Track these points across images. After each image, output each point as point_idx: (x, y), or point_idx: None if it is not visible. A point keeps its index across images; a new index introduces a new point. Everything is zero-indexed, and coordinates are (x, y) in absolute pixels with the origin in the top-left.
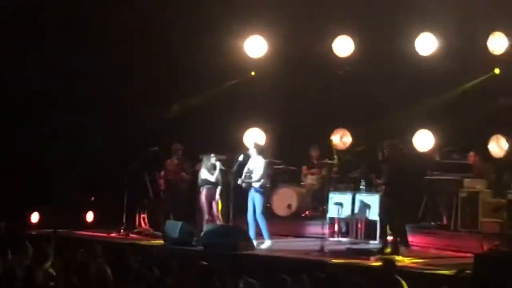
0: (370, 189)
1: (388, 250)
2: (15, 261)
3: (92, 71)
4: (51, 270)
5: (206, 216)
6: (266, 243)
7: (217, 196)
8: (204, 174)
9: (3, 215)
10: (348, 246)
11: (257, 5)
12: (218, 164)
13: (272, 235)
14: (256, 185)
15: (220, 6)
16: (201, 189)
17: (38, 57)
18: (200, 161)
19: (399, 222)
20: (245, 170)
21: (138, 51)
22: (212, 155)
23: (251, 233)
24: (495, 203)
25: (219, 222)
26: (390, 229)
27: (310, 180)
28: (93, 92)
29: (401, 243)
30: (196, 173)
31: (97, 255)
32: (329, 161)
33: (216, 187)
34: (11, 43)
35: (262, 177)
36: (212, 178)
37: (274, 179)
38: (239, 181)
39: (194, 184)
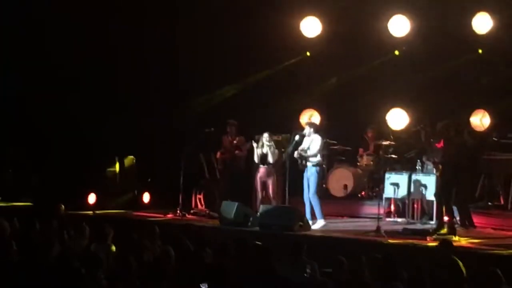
0: (425, 169)
1: (445, 230)
2: (72, 242)
3: (145, 51)
4: (112, 247)
5: (259, 196)
6: (319, 223)
7: (274, 176)
8: (258, 153)
9: (61, 197)
10: (405, 226)
11: None
12: (272, 144)
13: (328, 215)
14: (312, 161)
15: None
16: (257, 169)
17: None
18: (254, 140)
19: (461, 202)
20: (300, 148)
21: (191, 32)
22: (266, 134)
23: (307, 213)
24: None
25: (274, 202)
26: (447, 210)
27: (366, 160)
28: (150, 74)
29: (465, 223)
30: (251, 151)
31: (156, 237)
32: (385, 142)
33: (271, 167)
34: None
35: (318, 153)
36: (269, 158)
37: (330, 159)
38: (295, 154)
39: (249, 162)
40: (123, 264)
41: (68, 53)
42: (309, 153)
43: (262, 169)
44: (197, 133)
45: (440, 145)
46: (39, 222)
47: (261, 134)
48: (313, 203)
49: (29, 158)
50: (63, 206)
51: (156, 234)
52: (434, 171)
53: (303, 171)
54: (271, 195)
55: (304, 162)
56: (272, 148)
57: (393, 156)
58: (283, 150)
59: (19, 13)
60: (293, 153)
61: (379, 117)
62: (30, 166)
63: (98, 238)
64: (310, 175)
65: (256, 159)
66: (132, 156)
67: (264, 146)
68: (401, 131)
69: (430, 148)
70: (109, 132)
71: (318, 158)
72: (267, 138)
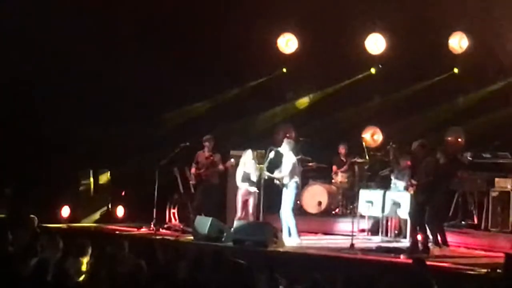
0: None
1: (418, 248)
2: (46, 255)
3: (121, 63)
4: (83, 263)
5: (238, 214)
6: (294, 240)
7: (255, 194)
8: (241, 172)
9: (35, 209)
10: (379, 244)
11: (289, 3)
12: (255, 161)
13: (302, 232)
14: (286, 181)
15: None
16: (240, 186)
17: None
18: (233, 157)
19: (435, 221)
20: (273, 167)
21: (168, 45)
22: (249, 151)
23: (284, 229)
24: None
25: (252, 218)
26: (420, 228)
27: (340, 177)
28: (125, 88)
29: (439, 242)
30: (227, 167)
31: (125, 250)
32: (359, 159)
33: (254, 185)
34: None
35: (291, 173)
36: (252, 176)
37: (305, 176)
38: (265, 176)
39: (224, 179)
40: (96, 277)
41: (41, 64)
42: (282, 172)
43: (243, 188)
44: (171, 147)
45: (408, 163)
46: (12, 234)
47: (237, 149)
48: (288, 220)
49: (3, 170)
50: (36, 219)
51: (127, 248)
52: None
53: (279, 188)
54: (251, 212)
55: (278, 182)
56: (255, 165)
57: (368, 173)
58: (259, 165)
59: None
60: (268, 169)
61: (354, 134)
62: (3, 178)
63: (75, 253)
64: (285, 193)
65: (238, 178)
66: (107, 171)
67: (247, 164)
68: (376, 149)
69: (397, 167)
70: (84, 145)
71: (291, 178)
72: (251, 156)
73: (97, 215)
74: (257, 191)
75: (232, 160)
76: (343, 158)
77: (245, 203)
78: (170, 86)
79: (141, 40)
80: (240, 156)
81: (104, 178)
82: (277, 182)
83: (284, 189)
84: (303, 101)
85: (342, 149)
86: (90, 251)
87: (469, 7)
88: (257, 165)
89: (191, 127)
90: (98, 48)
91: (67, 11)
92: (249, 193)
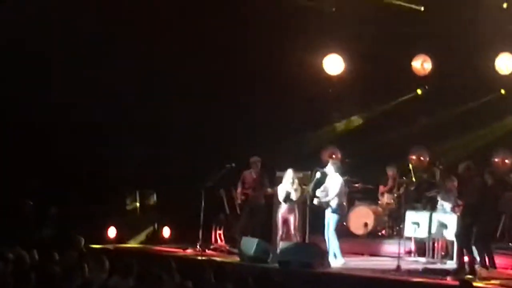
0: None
1: (465, 270)
2: (92, 275)
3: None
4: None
5: (279, 233)
6: (339, 261)
7: (296, 213)
8: (283, 191)
9: (81, 229)
10: (425, 265)
11: (335, 23)
12: (296, 181)
13: (348, 253)
14: (332, 203)
15: (298, 22)
16: (279, 206)
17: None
18: (277, 177)
19: (483, 242)
20: (322, 188)
21: (218, 65)
22: (290, 171)
23: (329, 251)
24: None
25: (295, 239)
26: (467, 250)
27: (387, 199)
28: (171, 108)
29: (486, 264)
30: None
31: (173, 271)
32: (406, 180)
33: (294, 204)
34: None
35: (338, 195)
36: (292, 196)
37: (351, 197)
38: (315, 201)
39: (271, 200)
40: None
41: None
42: (329, 195)
43: (284, 207)
44: (218, 168)
45: (454, 184)
46: (58, 254)
47: (283, 171)
48: (331, 241)
49: (51, 190)
50: (83, 239)
51: (173, 269)
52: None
53: (324, 209)
54: (292, 232)
55: (324, 205)
56: (295, 185)
57: (414, 194)
58: (304, 187)
59: None
60: (314, 190)
61: (401, 155)
62: (50, 198)
63: (121, 273)
64: (330, 214)
65: (280, 196)
66: (154, 192)
67: (287, 183)
68: (422, 170)
69: (443, 188)
70: (130, 166)
71: (338, 199)
72: (291, 175)
73: (143, 236)
74: (296, 210)
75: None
76: (391, 180)
77: (285, 222)
78: (214, 107)
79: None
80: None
81: (151, 200)
82: (321, 204)
83: (328, 210)
84: (354, 121)
85: (390, 172)
86: (136, 271)
87: None
88: (300, 186)
89: (237, 147)
90: (145, 68)
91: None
92: (288, 212)
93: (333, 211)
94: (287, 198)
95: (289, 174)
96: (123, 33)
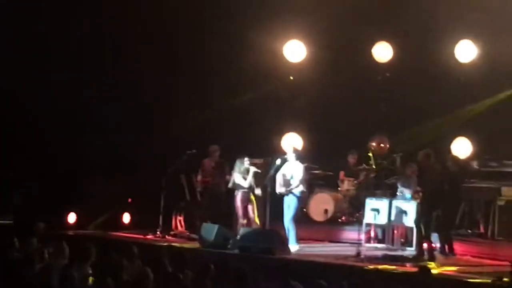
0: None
1: (424, 257)
2: (52, 261)
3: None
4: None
5: (241, 220)
6: (293, 247)
7: (253, 200)
8: (237, 178)
9: (41, 216)
10: (384, 252)
11: (297, 10)
12: (251, 168)
13: (308, 239)
14: (295, 191)
15: (260, 9)
16: (235, 193)
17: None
18: (238, 164)
19: (443, 229)
20: (280, 175)
21: (172, 52)
22: (246, 158)
23: (289, 237)
24: None
25: (255, 226)
26: (426, 236)
27: (347, 185)
28: (131, 95)
29: (445, 250)
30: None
31: (134, 257)
32: (366, 167)
33: (251, 191)
34: None
35: (300, 182)
36: (245, 183)
37: (311, 184)
38: (279, 190)
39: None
40: (101, 284)
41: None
42: (292, 183)
43: (241, 193)
44: (178, 154)
45: (414, 172)
46: (18, 241)
47: (239, 157)
48: (289, 228)
49: (10, 177)
50: (43, 225)
51: (134, 255)
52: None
53: (283, 196)
54: (252, 219)
55: (287, 193)
56: (250, 172)
57: (374, 181)
58: (264, 173)
59: None
60: (274, 177)
61: (361, 142)
62: (10, 184)
63: (80, 258)
64: (291, 201)
65: (234, 183)
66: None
67: (242, 170)
68: (382, 157)
69: (404, 175)
70: (90, 152)
71: (301, 187)
72: (246, 162)
73: (103, 222)
74: (253, 197)
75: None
76: (351, 167)
77: (245, 209)
78: (176, 93)
79: (146, 45)
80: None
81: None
82: (280, 192)
83: (290, 197)
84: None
85: (351, 159)
86: (93, 256)
87: None
88: (253, 172)
89: (197, 134)
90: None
91: None
92: (245, 199)
93: (295, 197)
94: (240, 186)
95: (240, 161)
96: None
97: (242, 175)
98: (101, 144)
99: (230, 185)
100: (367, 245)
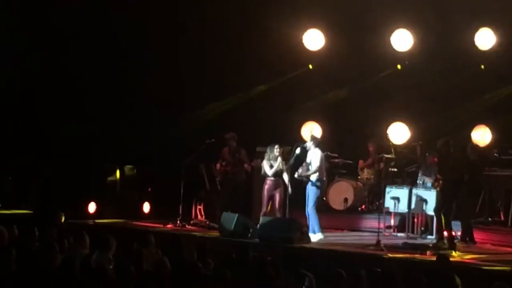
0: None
1: (444, 245)
2: (73, 251)
3: (148, 62)
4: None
5: (263, 209)
6: (317, 236)
7: (281, 188)
8: (265, 166)
9: (61, 206)
10: (404, 240)
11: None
12: (279, 156)
13: (328, 228)
14: (312, 178)
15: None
16: (265, 181)
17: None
18: (257, 152)
19: (463, 217)
20: (303, 164)
21: (193, 44)
22: (276, 146)
23: (309, 226)
24: None
25: (279, 214)
26: (446, 225)
27: (366, 174)
28: (150, 86)
29: (465, 238)
30: (254, 166)
31: (151, 245)
32: (386, 155)
33: (278, 179)
34: None
35: (318, 170)
36: (269, 171)
37: (331, 172)
38: (296, 175)
39: (251, 175)
40: (123, 273)
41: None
42: (310, 171)
43: (269, 182)
44: (198, 143)
45: (434, 160)
46: (38, 230)
47: (264, 146)
48: (310, 216)
49: (30, 166)
50: (63, 215)
51: (152, 244)
52: (434, 186)
53: (305, 184)
54: (277, 208)
55: (305, 179)
56: (278, 160)
57: (394, 170)
58: (284, 162)
59: None
60: (294, 165)
61: (381, 131)
62: (30, 174)
63: (100, 248)
64: (310, 189)
65: (263, 171)
66: (131, 166)
67: (271, 158)
68: (403, 145)
69: (424, 164)
70: (110, 142)
71: (318, 174)
72: (276, 150)
73: (123, 211)
74: (283, 185)
75: (259, 160)
76: (371, 155)
77: (270, 197)
78: (197, 84)
79: (166, 38)
80: (265, 152)
81: (130, 171)
82: (302, 178)
83: (310, 186)
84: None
85: (371, 147)
86: (114, 246)
87: None
88: (280, 160)
89: (218, 124)
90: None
91: None
92: (274, 187)
93: (313, 186)
94: (265, 174)
95: (271, 149)
96: None
97: (271, 162)
98: (120, 133)
99: (266, 172)
100: (387, 233)
